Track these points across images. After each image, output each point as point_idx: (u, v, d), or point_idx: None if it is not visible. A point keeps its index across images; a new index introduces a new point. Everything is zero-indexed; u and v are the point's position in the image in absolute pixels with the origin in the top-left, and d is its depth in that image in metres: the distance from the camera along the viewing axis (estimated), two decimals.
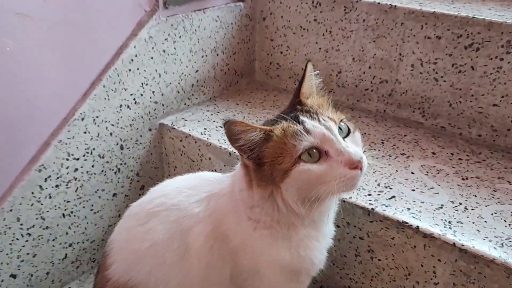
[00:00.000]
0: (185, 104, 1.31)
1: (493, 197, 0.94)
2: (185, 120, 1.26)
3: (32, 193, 0.99)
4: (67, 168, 1.04)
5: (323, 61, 1.37)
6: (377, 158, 1.09)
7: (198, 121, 1.25)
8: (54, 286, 1.12)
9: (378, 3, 1.20)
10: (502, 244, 0.81)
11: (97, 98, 1.05)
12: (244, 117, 1.29)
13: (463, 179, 1.01)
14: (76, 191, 1.08)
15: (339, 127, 0.72)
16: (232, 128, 0.67)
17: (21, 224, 0.99)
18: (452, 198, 0.94)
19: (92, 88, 1.04)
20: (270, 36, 1.45)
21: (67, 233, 1.10)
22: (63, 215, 1.07)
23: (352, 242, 0.97)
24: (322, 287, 1.08)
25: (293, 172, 0.68)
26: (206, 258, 0.78)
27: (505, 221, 0.87)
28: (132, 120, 1.16)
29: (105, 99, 1.07)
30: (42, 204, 1.02)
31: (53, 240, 1.07)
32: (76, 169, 1.06)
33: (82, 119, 1.04)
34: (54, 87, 0.99)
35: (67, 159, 1.04)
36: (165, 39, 1.17)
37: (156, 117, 1.23)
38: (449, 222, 0.87)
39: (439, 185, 0.99)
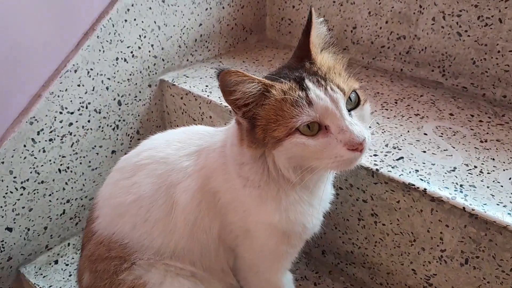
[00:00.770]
0: (187, 60, 1.24)
1: None
2: (187, 77, 1.20)
3: (25, 146, 0.97)
4: (60, 122, 1.01)
5: (337, 16, 1.27)
6: (388, 118, 1.01)
7: (200, 78, 1.19)
8: (53, 241, 1.11)
9: None
10: None
11: (91, 49, 1.00)
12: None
13: (481, 141, 0.92)
14: (71, 146, 1.05)
15: (349, 97, 0.64)
16: (226, 78, 0.60)
17: (15, 177, 0.98)
18: (467, 161, 0.86)
19: (85, 39, 0.99)
20: None
21: (64, 189, 1.08)
22: (59, 170, 1.05)
23: (355, 205, 0.91)
24: (324, 252, 1.03)
25: (286, 142, 0.62)
26: (193, 215, 0.74)
27: None
28: (130, 74, 1.11)
29: (100, 50, 1.02)
30: (35, 158, 0.99)
31: (50, 195, 1.05)
32: (70, 123, 1.03)
33: (75, 71, 0.99)
34: (45, 35, 0.94)
35: (61, 113, 1.00)
36: None
37: (156, 73, 1.17)
38: (461, 185, 0.79)
39: (453, 147, 0.90)
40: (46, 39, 0.94)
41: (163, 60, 1.17)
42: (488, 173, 0.83)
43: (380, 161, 0.86)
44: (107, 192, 0.79)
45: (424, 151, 0.89)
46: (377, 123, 0.99)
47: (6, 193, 0.97)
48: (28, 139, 0.97)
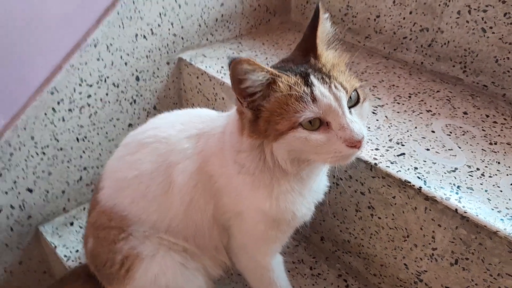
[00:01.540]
0: (207, 39, 1.26)
1: None
2: (205, 56, 1.22)
3: (45, 114, 1.03)
4: (80, 93, 1.06)
5: (362, 3, 1.25)
6: (398, 112, 1.00)
7: (218, 58, 1.21)
8: (70, 205, 1.18)
9: None
10: None
11: (111, 25, 1.04)
12: (267, 57, 1.23)
13: (490, 143, 0.90)
14: (90, 117, 1.11)
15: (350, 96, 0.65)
16: (238, 67, 0.60)
17: (36, 143, 1.04)
18: (470, 163, 0.85)
19: (105, 15, 1.02)
20: None
21: (81, 157, 1.14)
22: (77, 139, 1.11)
23: (353, 196, 0.92)
24: (322, 238, 1.05)
25: (288, 136, 0.64)
26: (189, 195, 0.77)
27: None
28: (149, 51, 1.14)
29: (120, 26, 1.05)
30: (55, 126, 1.05)
31: (68, 161, 1.12)
32: (89, 95, 1.08)
33: (95, 45, 1.03)
34: (67, 9, 0.98)
35: (80, 85, 1.05)
36: None
37: (174, 51, 1.20)
38: (458, 187, 0.79)
39: (459, 147, 0.89)
40: (67, 12, 0.98)
41: (182, 38, 1.20)
42: (490, 176, 0.81)
43: (380, 156, 0.86)
44: (113, 165, 0.83)
45: (428, 149, 0.88)
46: (386, 116, 0.99)
47: (28, 157, 1.04)
48: (49, 108, 1.03)
